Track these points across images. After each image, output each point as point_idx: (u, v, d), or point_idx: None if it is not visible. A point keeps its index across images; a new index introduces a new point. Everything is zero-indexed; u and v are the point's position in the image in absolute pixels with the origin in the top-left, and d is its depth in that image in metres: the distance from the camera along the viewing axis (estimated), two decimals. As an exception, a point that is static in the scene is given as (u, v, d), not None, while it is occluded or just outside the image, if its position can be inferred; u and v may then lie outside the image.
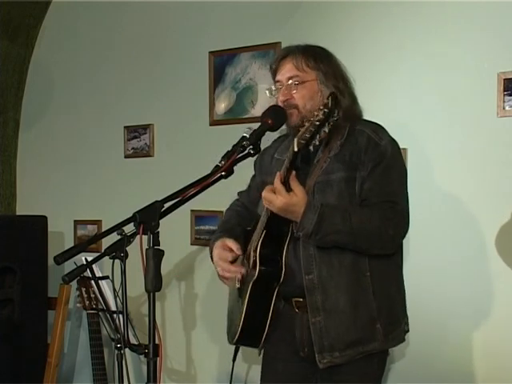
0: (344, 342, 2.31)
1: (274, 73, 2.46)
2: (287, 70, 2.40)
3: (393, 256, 2.42)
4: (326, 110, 2.09)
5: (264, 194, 2.23)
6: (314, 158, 2.37)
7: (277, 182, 2.20)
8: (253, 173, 2.74)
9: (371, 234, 2.26)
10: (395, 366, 3.09)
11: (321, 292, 2.31)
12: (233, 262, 2.48)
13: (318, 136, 2.12)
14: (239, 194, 2.77)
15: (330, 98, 2.12)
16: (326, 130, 2.14)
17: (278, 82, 2.43)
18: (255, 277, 2.34)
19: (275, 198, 2.19)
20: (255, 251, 2.37)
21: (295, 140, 2.14)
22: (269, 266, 2.35)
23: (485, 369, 2.94)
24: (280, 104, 2.39)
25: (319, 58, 2.42)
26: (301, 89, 2.37)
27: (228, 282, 2.54)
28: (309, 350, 2.38)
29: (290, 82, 2.38)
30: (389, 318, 2.39)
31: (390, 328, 2.38)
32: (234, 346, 2.74)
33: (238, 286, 2.52)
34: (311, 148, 2.18)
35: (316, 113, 2.11)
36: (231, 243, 2.48)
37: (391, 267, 2.43)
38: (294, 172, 2.20)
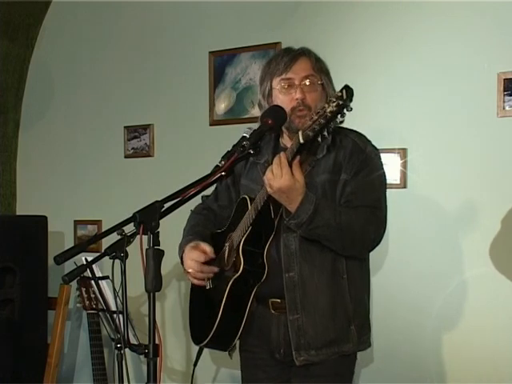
0: (321, 341, 2.32)
1: (282, 70, 2.36)
2: (303, 69, 2.35)
3: (364, 263, 2.45)
4: (339, 101, 2.05)
5: (272, 167, 2.17)
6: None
7: (284, 162, 2.16)
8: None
9: (356, 233, 2.27)
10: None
11: (300, 290, 2.31)
12: (204, 263, 2.44)
13: (326, 128, 2.08)
14: (204, 198, 2.70)
15: (344, 91, 2.05)
16: (338, 122, 2.11)
17: (288, 79, 2.35)
18: (238, 275, 2.32)
19: (281, 176, 2.15)
20: (237, 249, 2.35)
21: (300, 132, 2.12)
22: (252, 264, 2.33)
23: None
24: (293, 104, 2.33)
25: (325, 63, 2.42)
26: (314, 90, 2.35)
27: (198, 282, 2.49)
28: (285, 350, 2.38)
29: (306, 81, 2.34)
30: (362, 321, 2.41)
31: (362, 331, 2.40)
32: (198, 350, 2.68)
33: (208, 286, 2.49)
34: (319, 139, 2.14)
35: (326, 105, 2.07)
36: (205, 246, 2.45)
37: (364, 273, 2.45)
38: (298, 157, 2.17)
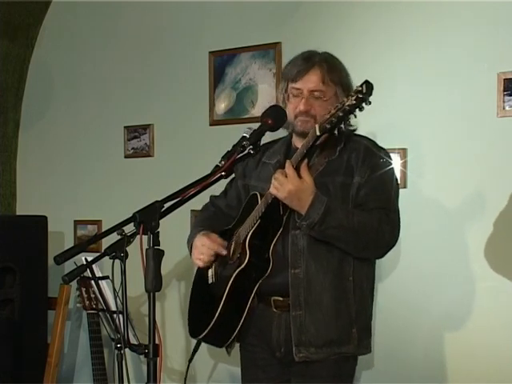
0: (322, 339, 2.33)
1: (293, 78, 2.40)
2: (312, 82, 2.38)
3: (371, 267, 2.47)
4: (359, 95, 2.07)
5: (276, 175, 2.22)
6: (309, 161, 2.35)
7: (289, 168, 2.20)
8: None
9: (369, 235, 2.28)
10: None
11: (305, 287, 2.32)
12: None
13: (344, 121, 2.12)
14: (212, 197, 2.73)
15: (364, 85, 2.08)
16: (355, 116, 2.14)
17: (297, 89, 2.40)
18: (242, 266, 2.34)
19: (286, 182, 2.19)
20: (243, 243, 2.37)
21: (316, 126, 2.15)
22: (257, 258, 2.35)
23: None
24: (296, 111, 2.38)
25: (341, 73, 2.43)
26: (323, 102, 2.37)
27: (203, 264, 2.52)
28: (285, 349, 2.39)
29: (314, 93, 2.37)
30: (363, 324, 2.42)
31: (363, 335, 2.41)
32: (194, 346, 2.71)
33: (211, 280, 2.51)
34: (336, 133, 2.17)
35: (345, 99, 2.10)
36: (215, 236, 2.50)
37: (370, 278, 2.46)
38: (305, 160, 2.21)
